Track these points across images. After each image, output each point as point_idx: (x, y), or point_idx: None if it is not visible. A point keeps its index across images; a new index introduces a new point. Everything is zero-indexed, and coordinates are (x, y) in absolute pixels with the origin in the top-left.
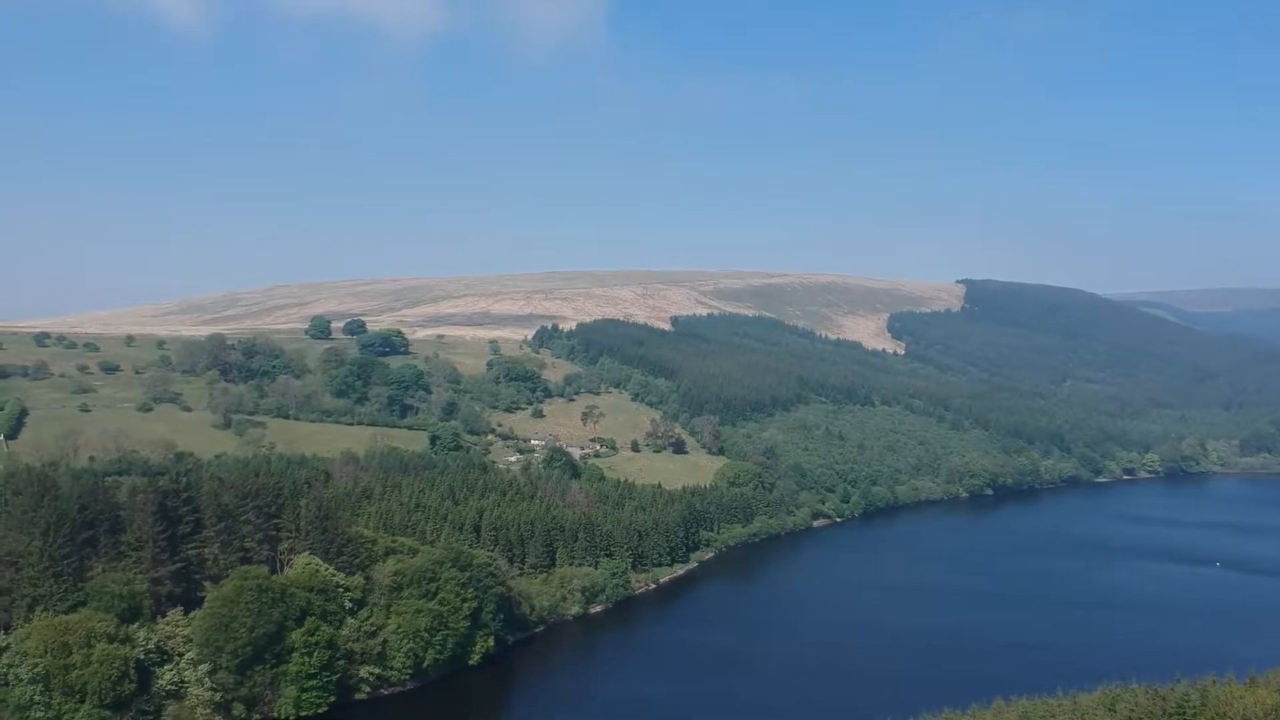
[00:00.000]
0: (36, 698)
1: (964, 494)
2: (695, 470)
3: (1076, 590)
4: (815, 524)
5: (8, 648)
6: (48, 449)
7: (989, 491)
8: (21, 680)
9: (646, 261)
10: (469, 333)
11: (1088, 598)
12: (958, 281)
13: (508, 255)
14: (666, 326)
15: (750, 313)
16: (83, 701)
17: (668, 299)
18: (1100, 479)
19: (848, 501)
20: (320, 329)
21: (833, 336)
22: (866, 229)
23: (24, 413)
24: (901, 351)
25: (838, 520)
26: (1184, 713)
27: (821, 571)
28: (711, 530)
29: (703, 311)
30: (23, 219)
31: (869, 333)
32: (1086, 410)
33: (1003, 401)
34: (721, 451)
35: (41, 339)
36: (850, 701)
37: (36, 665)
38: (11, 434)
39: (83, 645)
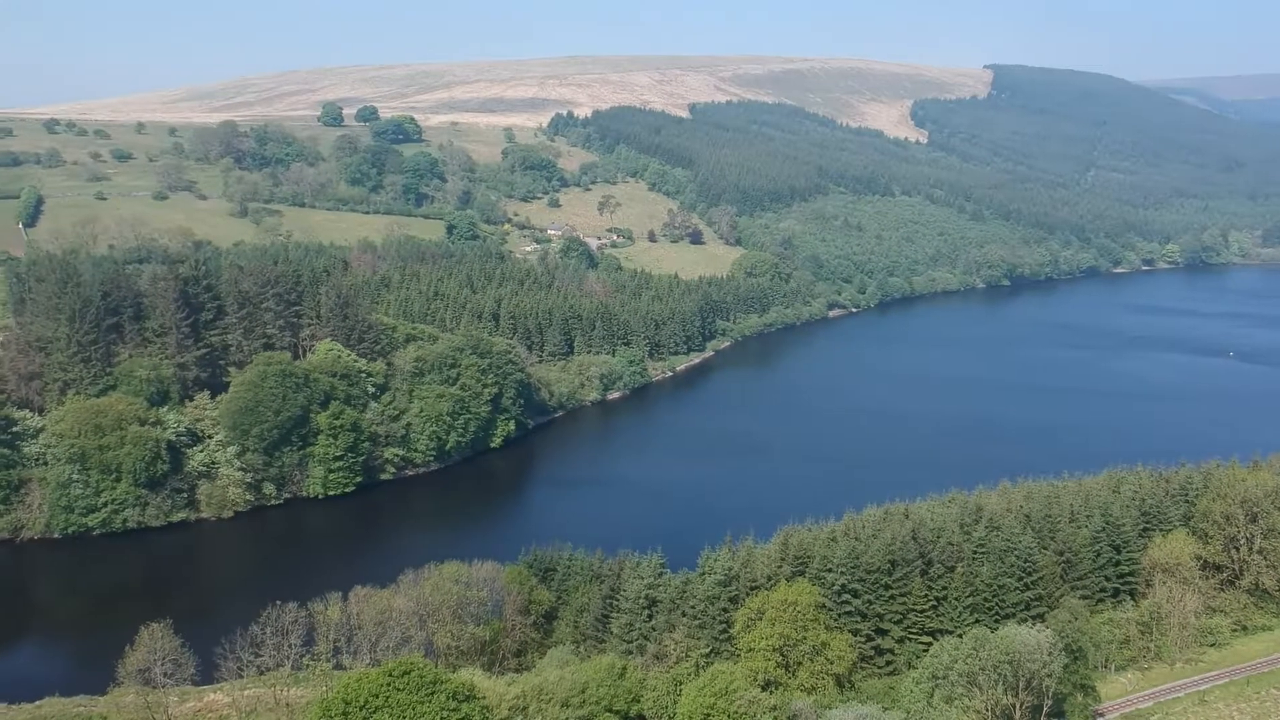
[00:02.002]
0: (75, 476)
1: (981, 285)
2: (712, 260)
3: (1089, 379)
4: (831, 314)
5: (44, 429)
6: (67, 237)
7: (1006, 282)
8: (60, 460)
9: (664, 46)
10: (483, 120)
11: (1100, 386)
12: (985, 67)
13: (521, 39)
14: (684, 114)
15: (770, 100)
16: (119, 481)
17: (686, 85)
18: (1119, 269)
19: (864, 292)
20: (332, 116)
21: (854, 124)
22: (890, 8)
23: (40, 201)
24: (924, 140)
25: (853, 310)
26: (1186, 494)
27: (836, 360)
28: (728, 320)
29: (721, 99)
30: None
31: (891, 120)
32: (1109, 200)
33: (1025, 192)
34: (739, 242)
35: (51, 126)
36: (861, 481)
37: (72, 446)
38: (30, 222)
39: (115, 427)
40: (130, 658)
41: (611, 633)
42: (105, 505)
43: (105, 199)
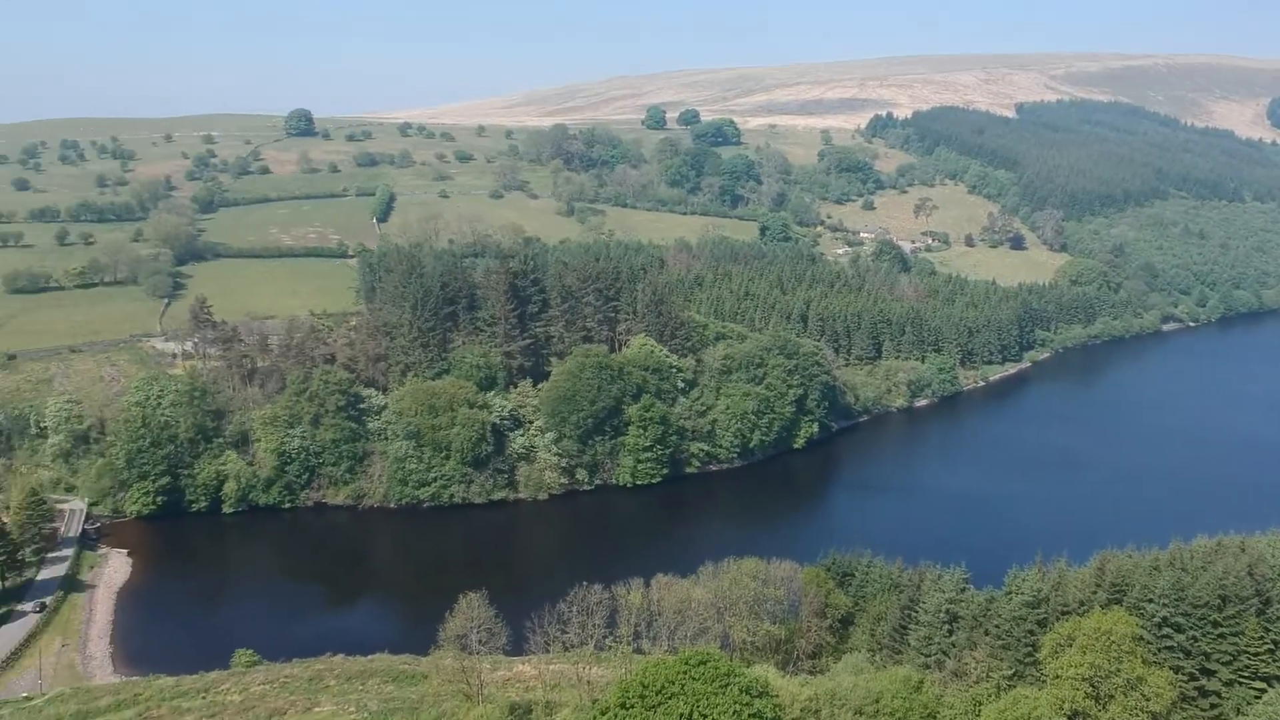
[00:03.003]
0: (411, 452)
1: None
2: (1033, 267)
3: None
4: (1165, 328)
5: (386, 407)
6: (413, 231)
7: None
8: (398, 436)
9: (989, 44)
10: (800, 122)
11: None
12: None
13: (840, 41)
14: (1010, 114)
15: (1104, 98)
16: (448, 458)
17: (1013, 84)
18: None
19: (1204, 305)
20: (656, 119)
21: (1199, 124)
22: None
23: (392, 198)
24: None
25: (1190, 325)
26: None
27: (1169, 378)
28: (1048, 330)
29: (1051, 97)
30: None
31: (1244, 120)
32: None
33: None
34: (1064, 248)
35: (405, 129)
36: (1190, 509)
37: (409, 424)
38: (382, 217)
39: (447, 408)
40: (450, 623)
41: (909, 644)
42: (435, 480)
43: (447, 197)
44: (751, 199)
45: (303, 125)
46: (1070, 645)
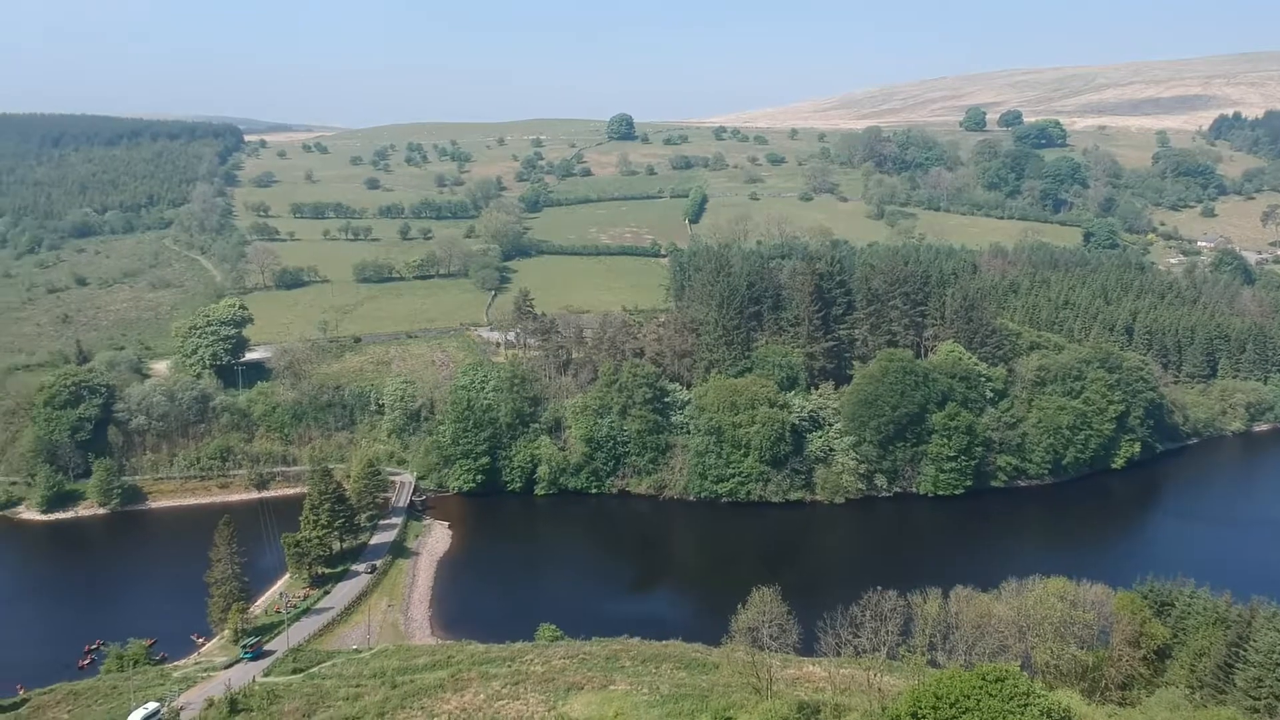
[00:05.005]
0: (711, 446)
1: None
2: None
3: None
4: None
5: (689, 402)
6: (722, 232)
7: None
8: (700, 430)
9: None
10: (1132, 122)
11: None
12: None
13: (1181, 35)
14: None
15: None
16: (747, 455)
17: None
18: None
19: None
20: (975, 121)
21: None
22: None
23: (704, 199)
24: None
25: None
26: None
27: None
28: None
29: None
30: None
31: None
32: None
33: None
34: None
35: (719, 132)
36: None
37: (711, 419)
38: (694, 217)
39: (748, 406)
40: (741, 616)
41: (1235, 685)
42: (733, 476)
43: (757, 199)
44: (1075, 204)
45: (623, 129)
46: None
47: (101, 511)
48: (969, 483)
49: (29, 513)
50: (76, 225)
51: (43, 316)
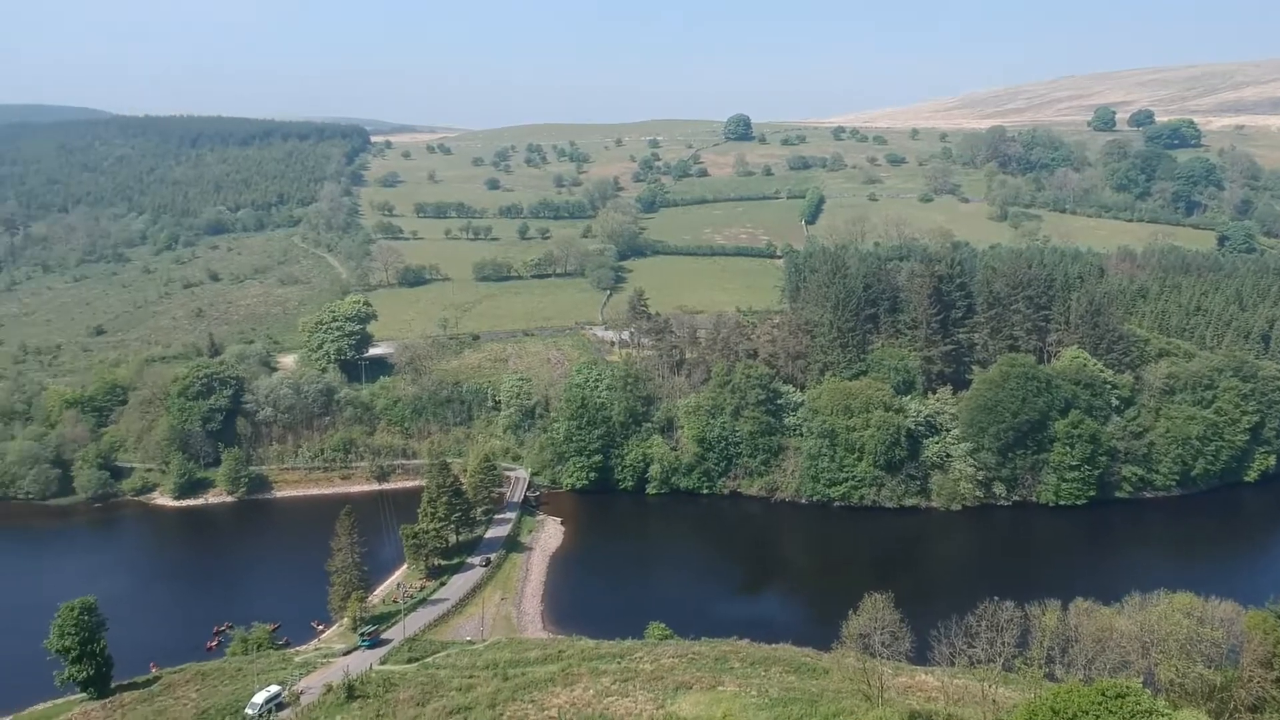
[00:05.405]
0: (824, 450)
1: None
2: None
3: None
4: None
5: (802, 404)
6: (840, 233)
7: None
8: (813, 433)
9: None
10: (1274, 122)
11: None
12: None
13: None
14: None
15: None
16: (861, 459)
17: None
18: None
19: None
20: (1103, 121)
21: None
22: None
23: (821, 200)
24: None
25: None
26: None
27: None
28: None
29: None
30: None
31: None
32: None
33: None
34: None
35: (838, 133)
36: None
37: (824, 422)
38: (811, 218)
39: (862, 410)
40: (853, 622)
41: None
42: (846, 480)
43: (876, 200)
44: (1210, 206)
45: (740, 130)
46: None
47: (229, 499)
48: (1092, 493)
49: (162, 498)
50: (211, 223)
51: (178, 310)
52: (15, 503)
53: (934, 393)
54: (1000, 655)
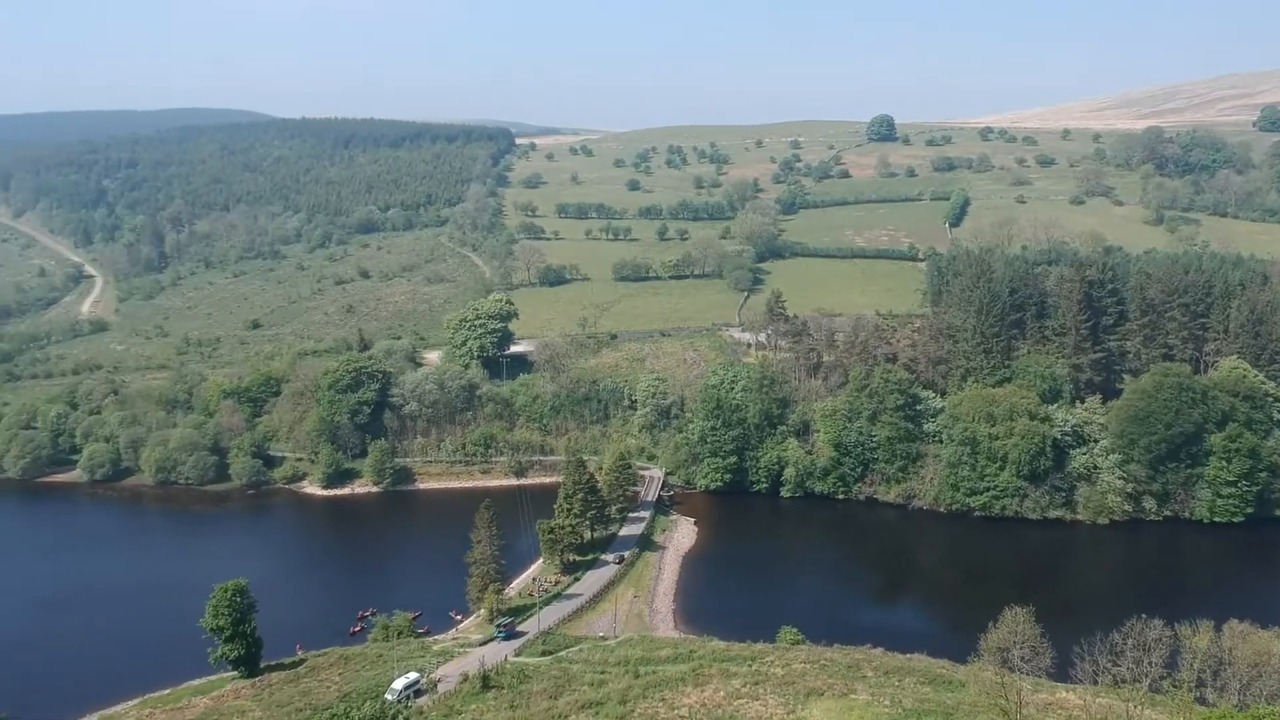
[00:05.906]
0: (965, 458)
1: None
2: None
3: None
4: None
5: (942, 410)
6: (985, 236)
7: None
8: (953, 440)
9: None
10: None
11: None
12: None
13: None
14: None
15: None
16: (1003, 468)
17: None
18: None
19: None
20: (1271, 120)
21: None
22: None
23: (967, 202)
24: None
25: None
26: None
27: None
28: None
29: None
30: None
31: None
32: None
33: None
34: None
35: (985, 133)
36: None
37: (965, 429)
38: (955, 221)
39: (1006, 417)
40: (991, 635)
41: None
42: (987, 490)
43: (1024, 202)
44: None
45: (884, 131)
46: None
47: (374, 490)
48: (1250, 510)
49: (311, 487)
50: (362, 222)
51: (330, 306)
52: (176, 487)
53: (1082, 402)
54: (1147, 675)
